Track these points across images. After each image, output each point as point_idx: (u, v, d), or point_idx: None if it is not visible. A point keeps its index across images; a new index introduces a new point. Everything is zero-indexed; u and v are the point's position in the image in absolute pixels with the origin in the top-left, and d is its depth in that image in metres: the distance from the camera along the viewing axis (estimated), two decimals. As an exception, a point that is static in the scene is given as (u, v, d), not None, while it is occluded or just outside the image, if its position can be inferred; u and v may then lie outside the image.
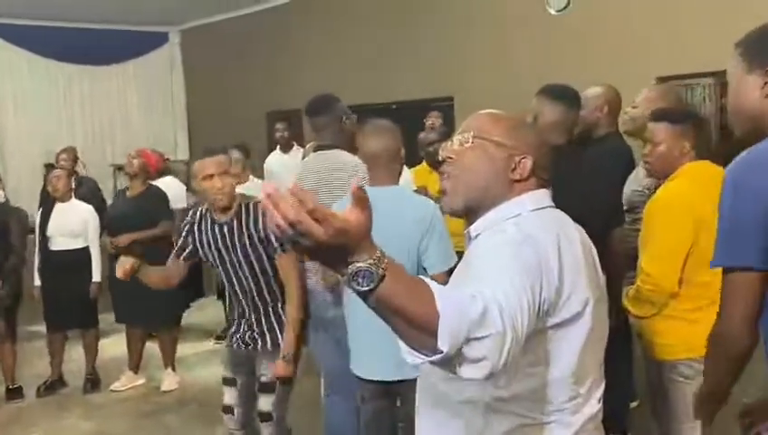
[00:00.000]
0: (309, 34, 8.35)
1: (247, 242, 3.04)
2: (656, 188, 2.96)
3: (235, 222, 3.06)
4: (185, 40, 10.49)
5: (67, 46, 9.42)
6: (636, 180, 3.21)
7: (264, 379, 3.11)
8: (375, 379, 2.86)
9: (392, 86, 7.37)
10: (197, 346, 5.98)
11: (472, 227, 1.55)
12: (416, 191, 3.59)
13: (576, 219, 1.57)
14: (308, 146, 6.34)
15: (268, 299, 3.13)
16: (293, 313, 3.07)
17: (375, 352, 2.79)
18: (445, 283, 2.73)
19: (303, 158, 4.25)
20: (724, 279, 1.64)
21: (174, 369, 5.21)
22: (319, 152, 3.31)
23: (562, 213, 1.57)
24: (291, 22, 8.57)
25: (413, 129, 5.05)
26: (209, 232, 3.12)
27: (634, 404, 3.86)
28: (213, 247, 3.11)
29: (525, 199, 1.52)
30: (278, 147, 6.74)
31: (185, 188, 5.85)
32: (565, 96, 2.89)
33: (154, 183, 5.24)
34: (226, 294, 3.29)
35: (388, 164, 2.80)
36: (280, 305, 3.13)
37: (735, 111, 1.73)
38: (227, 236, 3.07)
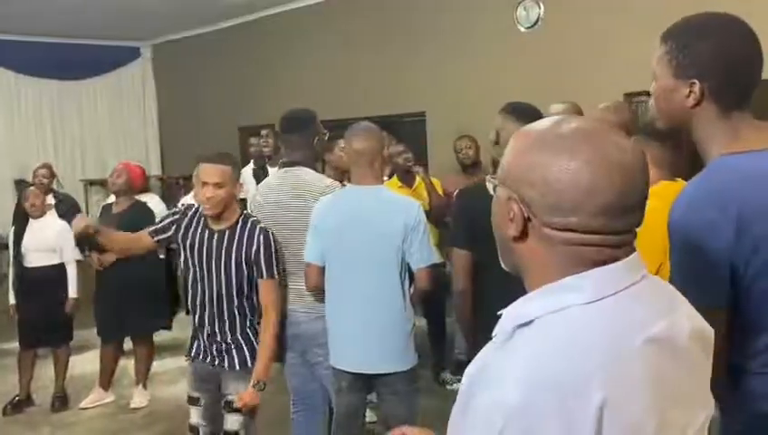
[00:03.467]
0: (282, 50, 8.37)
1: (234, 258, 2.96)
2: None
3: (227, 234, 2.98)
4: (157, 55, 10.44)
5: (38, 61, 9.32)
6: None
7: (230, 398, 3.03)
8: (353, 371, 2.95)
9: (365, 101, 7.40)
10: (168, 363, 5.90)
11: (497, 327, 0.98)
12: None
13: None
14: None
15: (238, 316, 3.04)
16: (269, 341, 2.99)
17: (355, 345, 2.94)
18: (427, 278, 2.86)
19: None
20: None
21: (145, 386, 5.15)
22: (285, 169, 3.30)
23: (647, 304, 0.97)
24: (263, 37, 8.58)
25: (385, 144, 5.05)
26: (199, 235, 3.03)
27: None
28: (197, 252, 3.01)
29: (536, 295, 0.96)
30: (252, 161, 6.74)
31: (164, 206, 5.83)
32: (526, 114, 2.93)
33: (139, 198, 5.15)
34: (191, 303, 3.13)
35: (371, 163, 2.95)
36: (248, 324, 3.06)
37: (662, 112, 1.64)
38: (215, 246, 2.98)
